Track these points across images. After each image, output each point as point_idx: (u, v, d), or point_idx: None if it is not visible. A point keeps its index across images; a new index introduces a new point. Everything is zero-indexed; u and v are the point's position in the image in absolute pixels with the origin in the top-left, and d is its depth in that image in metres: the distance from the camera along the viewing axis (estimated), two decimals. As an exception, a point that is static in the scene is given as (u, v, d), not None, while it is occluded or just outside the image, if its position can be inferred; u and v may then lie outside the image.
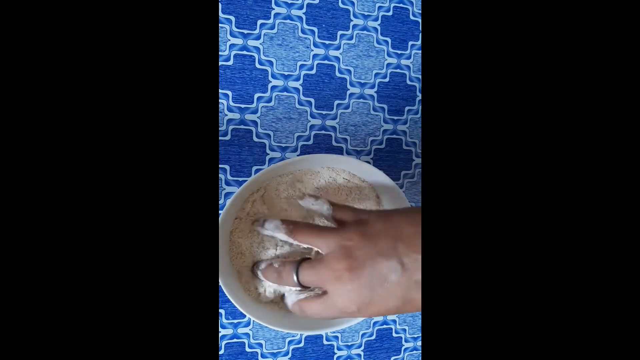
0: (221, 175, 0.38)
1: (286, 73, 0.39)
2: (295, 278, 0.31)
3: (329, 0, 0.40)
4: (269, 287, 0.35)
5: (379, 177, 0.37)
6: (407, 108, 0.43)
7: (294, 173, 0.37)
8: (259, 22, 0.38)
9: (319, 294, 0.31)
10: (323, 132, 0.41)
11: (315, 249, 0.30)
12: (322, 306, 0.30)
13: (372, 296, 0.27)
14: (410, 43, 0.42)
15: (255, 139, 0.39)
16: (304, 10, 0.39)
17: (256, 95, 0.39)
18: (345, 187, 0.38)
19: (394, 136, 0.43)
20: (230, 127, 0.38)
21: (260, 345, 0.40)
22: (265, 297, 0.36)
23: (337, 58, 0.40)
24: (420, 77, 0.43)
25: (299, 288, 0.32)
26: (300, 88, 0.40)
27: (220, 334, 0.39)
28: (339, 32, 0.40)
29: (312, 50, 0.40)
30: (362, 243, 0.28)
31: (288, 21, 0.39)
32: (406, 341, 0.45)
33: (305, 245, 0.31)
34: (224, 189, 0.38)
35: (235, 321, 0.39)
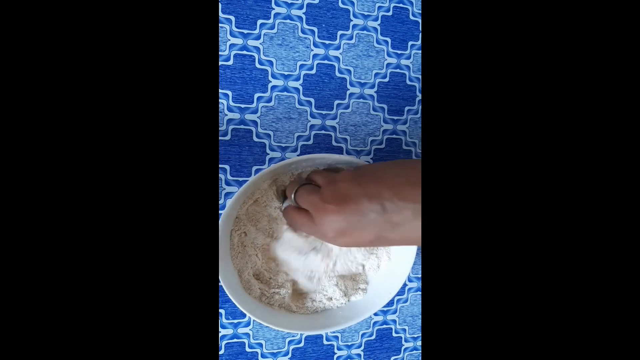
0: (221, 175, 0.38)
1: (286, 73, 0.39)
2: (292, 195, 0.35)
3: (329, 0, 0.40)
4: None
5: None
6: (407, 108, 0.43)
7: (294, 173, 0.37)
8: (259, 22, 0.38)
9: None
10: (323, 132, 0.41)
11: (315, 183, 0.35)
12: (306, 221, 0.34)
13: (350, 229, 0.31)
14: (410, 43, 0.42)
15: (255, 139, 0.39)
16: (304, 10, 0.39)
17: (256, 95, 0.39)
18: None
19: (394, 136, 0.43)
20: (230, 127, 0.38)
21: (260, 345, 0.40)
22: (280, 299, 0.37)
23: (337, 58, 0.40)
24: (420, 77, 0.43)
25: (293, 204, 0.36)
26: (300, 88, 0.40)
27: (220, 334, 0.39)
28: (339, 32, 0.40)
29: (312, 50, 0.40)
30: (352, 185, 0.31)
31: (288, 21, 0.39)
32: (406, 341, 0.45)
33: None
34: (224, 189, 0.38)
35: (235, 321, 0.39)
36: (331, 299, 0.39)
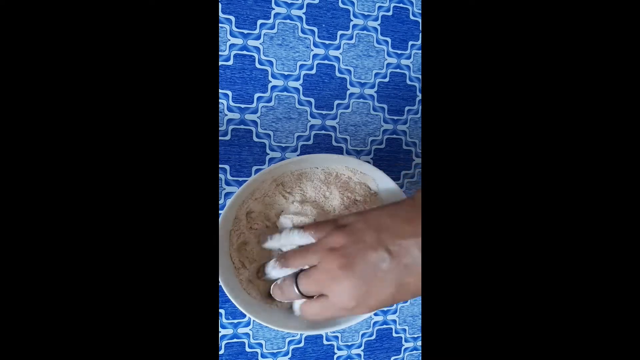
0: (221, 175, 0.38)
1: (286, 73, 0.39)
2: (296, 290, 0.32)
3: (329, 0, 0.40)
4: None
5: (379, 176, 0.37)
6: (407, 108, 0.43)
7: (294, 173, 0.37)
8: (259, 22, 0.38)
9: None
10: (323, 132, 0.41)
11: (309, 264, 0.32)
12: (320, 306, 0.31)
13: (369, 288, 0.28)
14: (410, 43, 0.42)
15: (255, 139, 0.39)
16: (304, 10, 0.39)
17: (256, 95, 0.39)
18: (347, 186, 0.38)
19: (394, 136, 0.43)
20: (230, 127, 0.38)
21: (260, 345, 0.40)
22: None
23: (337, 58, 0.40)
24: (420, 77, 0.43)
25: (302, 300, 0.33)
26: (300, 88, 0.40)
27: (220, 334, 0.39)
28: (339, 32, 0.40)
29: (312, 50, 0.40)
30: (349, 242, 0.29)
31: (288, 21, 0.39)
32: (406, 341, 0.45)
33: (304, 267, 0.32)
34: (224, 189, 0.38)
35: (235, 321, 0.39)
36: None
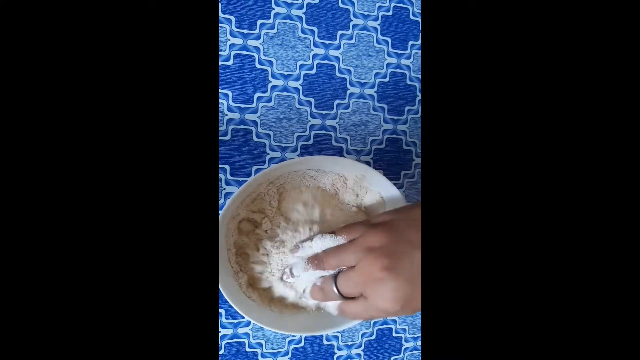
0: (221, 175, 0.38)
1: (286, 73, 0.39)
2: (335, 291, 0.31)
3: (329, 0, 0.40)
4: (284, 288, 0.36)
5: (378, 178, 0.37)
6: (407, 108, 0.43)
7: (294, 173, 0.37)
8: (259, 22, 0.38)
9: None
10: (323, 132, 0.41)
11: (346, 265, 0.30)
12: (361, 308, 0.30)
13: (414, 289, 0.27)
14: (410, 43, 0.42)
15: (255, 138, 0.39)
16: (304, 10, 0.39)
17: (256, 95, 0.39)
18: (349, 188, 0.38)
19: (394, 136, 0.43)
20: (230, 127, 0.38)
21: (260, 345, 0.40)
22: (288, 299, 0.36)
23: (337, 58, 0.40)
24: (420, 77, 0.43)
25: (343, 300, 0.32)
26: (300, 88, 0.40)
27: (220, 334, 0.39)
28: (339, 32, 0.40)
29: (312, 50, 0.40)
30: (390, 240, 0.28)
31: (288, 21, 0.39)
32: (406, 341, 0.45)
33: (336, 269, 0.31)
34: (224, 189, 0.38)
35: (235, 321, 0.39)
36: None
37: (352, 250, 0.29)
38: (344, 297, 0.31)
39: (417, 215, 0.29)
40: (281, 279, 0.35)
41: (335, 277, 0.31)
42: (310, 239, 0.34)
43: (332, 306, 0.33)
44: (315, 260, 0.32)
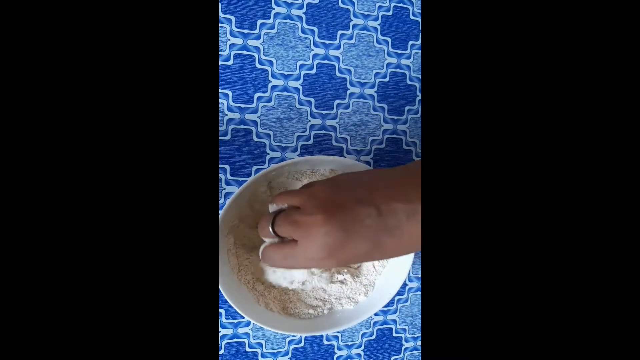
0: (221, 175, 0.38)
1: (286, 73, 0.39)
2: (270, 228, 0.31)
3: (329, 0, 0.40)
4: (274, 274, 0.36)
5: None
6: (407, 108, 0.43)
7: (294, 173, 0.37)
8: (259, 22, 0.38)
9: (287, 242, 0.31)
10: (323, 132, 0.41)
11: (290, 204, 0.31)
12: (284, 253, 0.30)
13: (345, 240, 0.28)
14: (410, 43, 0.42)
15: (255, 138, 0.39)
16: (304, 10, 0.39)
17: (256, 95, 0.39)
18: None
19: (394, 136, 0.43)
20: (230, 127, 0.38)
21: (260, 345, 0.40)
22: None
23: (337, 58, 0.40)
24: (420, 77, 0.43)
25: (275, 239, 0.32)
26: (300, 88, 0.40)
27: (220, 334, 0.39)
28: (339, 32, 0.40)
29: (312, 50, 0.40)
30: (338, 192, 0.29)
31: (288, 21, 0.39)
32: (406, 341, 0.45)
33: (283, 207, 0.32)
34: (224, 189, 0.38)
35: (235, 321, 0.39)
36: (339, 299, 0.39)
37: (300, 193, 0.30)
38: (277, 236, 0.31)
39: (367, 177, 0.30)
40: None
41: (275, 214, 0.31)
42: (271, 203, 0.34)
43: (261, 249, 0.33)
44: (272, 198, 0.32)
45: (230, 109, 0.38)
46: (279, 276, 0.37)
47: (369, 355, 0.44)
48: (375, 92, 0.42)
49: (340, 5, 0.40)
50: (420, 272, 0.45)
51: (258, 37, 0.38)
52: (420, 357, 0.46)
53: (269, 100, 0.39)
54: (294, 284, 0.37)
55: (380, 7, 0.41)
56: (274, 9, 0.38)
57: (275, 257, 0.31)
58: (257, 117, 0.39)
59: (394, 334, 0.44)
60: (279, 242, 0.32)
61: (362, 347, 0.43)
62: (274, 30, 0.39)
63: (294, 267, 0.32)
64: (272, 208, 0.32)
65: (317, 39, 0.40)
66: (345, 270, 0.39)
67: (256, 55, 0.38)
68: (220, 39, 0.37)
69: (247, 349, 0.40)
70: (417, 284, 0.45)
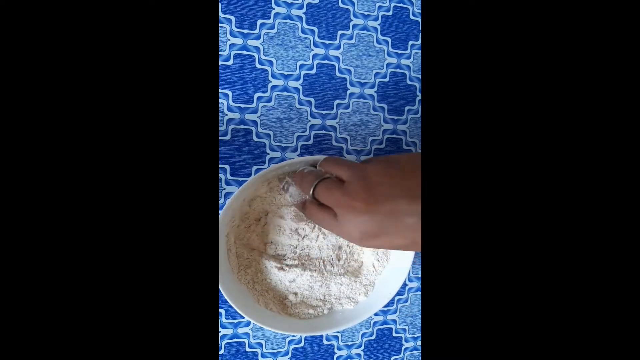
0: (221, 175, 0.38)
1: (286, 73, 0.39)
2: (311, 191, 0.31)
3: (329, 0, 0.40)
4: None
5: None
6: (407, 108, 0.43)
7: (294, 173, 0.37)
8: (259, 22, 0.38)
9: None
10: (323, 132, 0.41)
11: (337, 175, 0.30)
12: (327, 221, 0.30)
13: (379, 232, 0.27)
14: (410, 43, 0.42)
15: (255, 138, 0.39)
16: (304, 10, 0.39)
17: (256, 95, 0.39)
18: None
19: (394, 136, 0.43)
20: (230, 127, 0.38)
21: (260, 345, 0.40)
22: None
23: (337, 58, 0.40)
24: (420, 77, 0.43)
25: (311, 199, 0.32)
26: (300, 88, 0.40)
27: (220, 334, 0.39)
28: (339, 32, 0.40)
29: (312, 50, 0.40)
30: (386, 179, 0.27)
31: (288, 21, 0.39)
32: (406, 341, 0.45)
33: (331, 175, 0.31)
34: (224, 189, 0.38)
35: (235, 321, 0.39)
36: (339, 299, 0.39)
37: (352, 169, 0.29)
38: (315, 199, 0.31)
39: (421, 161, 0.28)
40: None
41: (319, 179, 0.31)
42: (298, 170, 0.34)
43: (294, 194, 0.34)
44: (316, 164, 0.32)
45: (230, 109, 0.38)
46: (280, 277, 0.37)
47: (369, 355, 0.44)
48: (375, 92, 0.42)
49: (340, 5, 0.40)
50: (420, 272, 0.45)
51: (258, 37, 0.38)
52: (420, 357, 0.46)
53: (269, 100, 0.39)
54: (294, 287, 0.37)
55: (380, 7, 0.41)
56: (274, 9, 0.38)
57: (319, 219, 0.31)
58: (257, 117, 0.39)
59: (394, 334, 0.44)
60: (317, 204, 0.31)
61: (362, 347, 0.43)
62: (274, 30, 0.39)
63: (331, 232, 0.32)
64: (308, 168, 0.33)
65: (317, 39, 0.40)
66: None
67: (256, 55, 0.38)
68: (220, 39, 0.37)
69: (247, 349, 0.40)
70: (417, 284, 0.45)
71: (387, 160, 0.29)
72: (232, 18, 0.37)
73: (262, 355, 0.40)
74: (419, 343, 0.45)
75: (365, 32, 0.41)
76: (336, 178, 0.30)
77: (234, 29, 0.38)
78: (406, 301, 0.44)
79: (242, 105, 0.38)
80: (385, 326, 0.44)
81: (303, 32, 0.39)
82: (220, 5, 0.37)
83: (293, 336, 0.41)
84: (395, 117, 0.42)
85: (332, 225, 0.29)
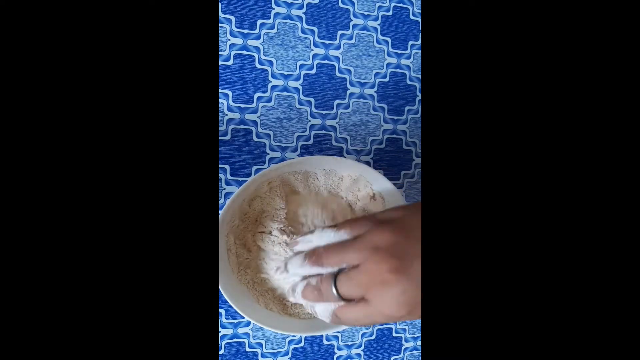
0: (221, 175, 0.38)
1: (286, 73, 0.39)
2: (334, 291, 0.28)
3: (329, 0, 0.40)
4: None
5: (378, 178, 0.37)
6: (407, 108, 0.43)
7: (294, 173, 0.37)
8: (259, 21, 0.38)
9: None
10: (323, 132, 0.41)
11: (348, 264, 0.28)
12: (362, 312, 0.27)
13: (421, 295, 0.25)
14: (410, 43, 0.42)
15: (255, 138, 0.39)
16: (304, 10, 0.39)
17: (256, 95, 0.39)
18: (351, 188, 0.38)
19: (394, 136, 0.43)
20: (230, 127, 0.38)
21: (260, 345, 0.40)
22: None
23: (337, 58, 0.40)
24: (420, 77, 0.43)
25: (341, 303, 0.28)
26: (300, 88, 0.40)
27: (220, 334, 0.39)
28: (339, 32, 0.40)
29: (312, 50, 0.40)
30: (401, 239, 0.25)
31: (288, 21, 0.39)
32: (406, 341, 0.45)
33: (337, 268, 0.28)
34: (224, 189, 0.38)
35: (235, 321, 0.39)
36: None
37: (357, 248, 0.27)
38: (342, 299, 0.28)
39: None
40: (276, 271, 0.33)
41: (334, 276, 0.28)
42: (311, 232, 0.31)
43: (322, 311, 0.30)
44: (314, 256, 0.29)
45: (230, 109, 0.38)
46: (282, 280, 0.36)
47: (369, 355, 0.44)
48: (375, 92, 0.42)
49: (340, 5, 0.40)
50: (420, 272, 0.45)
51: (258, 37, 0.38)
52: (420, 357, 0.46)
53: (269, 100, 0.39)
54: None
55: (380, 7, 0.41)
56: (274, 9, 0.38)
57: (355, 317, 0.28)
58: (257, 117, 0.39)
59: (394, 334, 0.44)
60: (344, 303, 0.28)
61: (362, 347, 0.43)
62: (274, 30, 0.39)
63: (374, 323, 0.28)
64: (298, 248, 0.30)
65: (317, 39, 0.40)
66: None
67: (256, 55, 0.38)
68: (220, 39, 0.37)
69: (247, 349, 0.40)
70: (417, 284, 0.45)
71: (385, 222, 0.27)
72: (232, 18, 0.37)
73: (262, 355, 0.40)
74: (419, 343, 0.45)
75: (365, 32, 0.41)
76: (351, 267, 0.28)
77: (234, 29, 0.38)
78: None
79: (242, 105, 0.38)
80: (385, 326, 0.44)
81: (303, 32, 0.39)
82: (220, 5, 0.37)
83: (293, 336, 0.41)
84: (395, 117, 0.43)
85: (370, 314, 0.26)
